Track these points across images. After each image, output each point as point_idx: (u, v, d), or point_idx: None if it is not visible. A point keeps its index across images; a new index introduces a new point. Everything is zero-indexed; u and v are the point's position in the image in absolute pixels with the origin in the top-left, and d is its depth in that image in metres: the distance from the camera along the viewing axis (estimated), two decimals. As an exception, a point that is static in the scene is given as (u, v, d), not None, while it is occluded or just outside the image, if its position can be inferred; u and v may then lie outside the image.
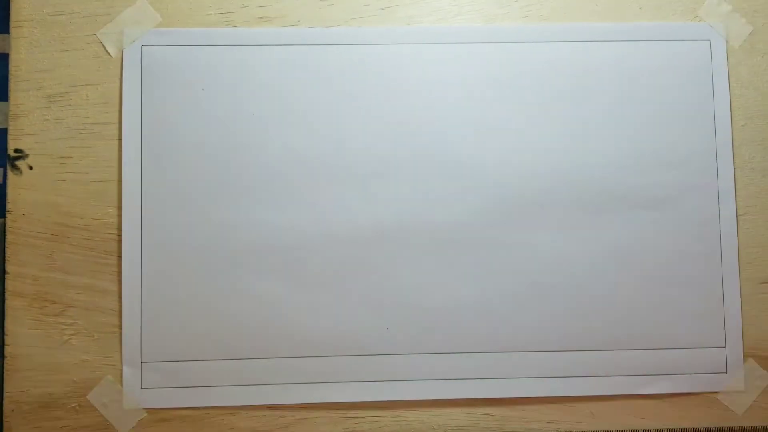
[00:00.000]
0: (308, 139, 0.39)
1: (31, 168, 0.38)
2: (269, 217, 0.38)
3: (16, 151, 0.38)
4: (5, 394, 0.37)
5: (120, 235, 0.38)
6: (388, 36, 0.40)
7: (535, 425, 0.38)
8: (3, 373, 0.37)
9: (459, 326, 0.38)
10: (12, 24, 0.39)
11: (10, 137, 0.38)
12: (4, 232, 0.38)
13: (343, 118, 0.39)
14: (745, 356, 0.39)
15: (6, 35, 0.39)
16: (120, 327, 0.38)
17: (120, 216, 0.38)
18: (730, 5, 0.40)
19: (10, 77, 0.39)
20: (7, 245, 0.38)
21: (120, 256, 0.38)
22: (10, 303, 0.38)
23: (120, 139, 0.39)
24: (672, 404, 0.39)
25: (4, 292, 0.38)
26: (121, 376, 0.38)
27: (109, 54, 0.39)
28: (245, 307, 0.38)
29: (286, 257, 0.38)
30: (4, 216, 0.38)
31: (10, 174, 0.38)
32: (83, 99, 0.39)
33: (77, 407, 0.37)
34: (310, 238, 0.38)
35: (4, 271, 0.38)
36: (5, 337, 0.38)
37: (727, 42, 0.40)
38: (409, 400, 0.38)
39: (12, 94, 0.39)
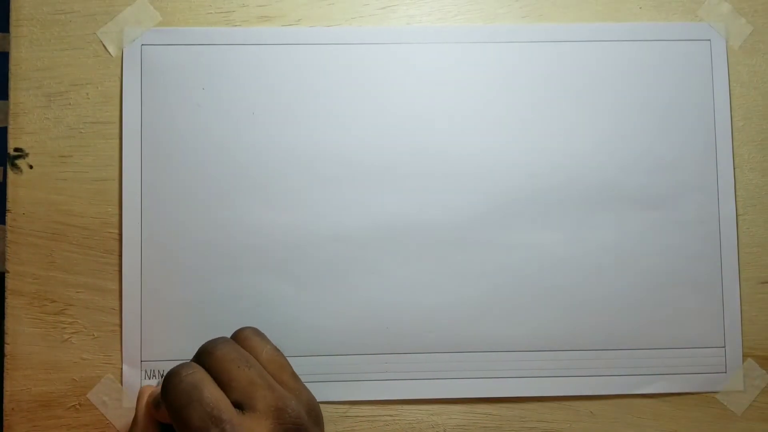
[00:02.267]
0: (308, 138, 0.39)
1: (31, 167, 0.38)
2: (270, 217, 0.38)
3: (16, 150, 0.38)
4: (5, 393, 0.37)
5: (120, 234, 0.38)
6: (388, 35, 0.40)
7: (535, 425, 0.38)
8: (3, 371, 0.37)
9: (459, 326, 0.38)
10: (12, 23, 0.39)
11: (10, 136, 0.38)
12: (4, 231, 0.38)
13: (343, 118, 0.39)
14: (744, 356, 0.39)
15: (6, 34, 0.39)
16: (120, 326, 0.38)
17: (120, 215, 0.38)
18: (731, 5, 0.40)
19: (9, 76, 0.39)
20: (7, 244, 0.38)
21: (120, 255, 0.38)
22: (10, 302, 0.38)
23: (120, 138, 0.39)
24: (671, 404, 0.39)
25: (3, 291, 0.38)
26: (122, 375, 0.38)
27: (109, 53, 0.39)
28: (245, 306, 0.38)
29: (286, 257, 0.38)
30: (4, 215, 0.38)
31: (10, 173, 0.38)
32: (83, 98, 0.39)
33: (77, 406, 0.38)
34: (310, 238, 0.38)
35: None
36: (5, 335, 0.38)
37: (727, 42, 0.40)
38: (408, 400, 0.38)
39: (12, 93, 0.39)
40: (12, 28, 0.39)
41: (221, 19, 0.40)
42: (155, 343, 0.38)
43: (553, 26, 0.40)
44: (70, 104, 0.39)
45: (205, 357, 0.31)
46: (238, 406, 0.29)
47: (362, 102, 0.39)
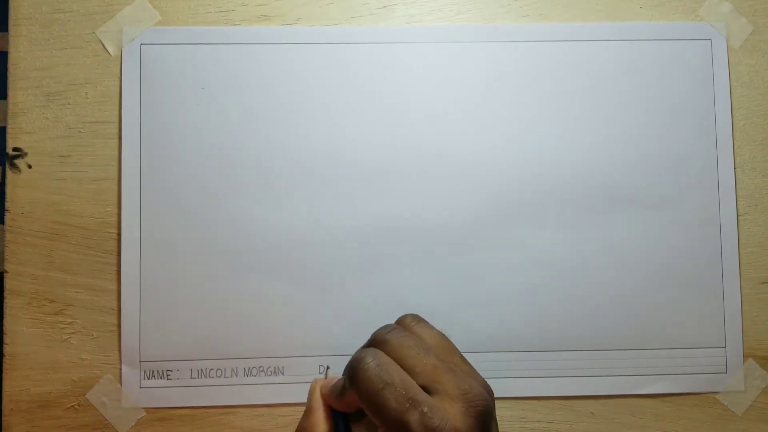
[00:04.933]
0: (308, 138, 0.39)
1: (30, 167, 0.38)
2: (269, 217, 0.38)
3: (15, 149, 0.38)
4: (4, 393, 0.37)
5: (119, 234, 0.38)
6: (388, 35, 0.39)
7: (535, 425, 0.38)
8: (2, 372, 0.37)
9: (458, 326, 0.38)
10: (11, 22, 0.39)
11: (9, 136, 0.38)
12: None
13: (343, 117, 0.39)
14: (745, 356, 0.39)
15: (5, 33, 0.39)
16: (119, 326, 0.38)
17: (119, 215, 0.38)
18: (731, 5, 0.40)
19: (9, 75, 0.39)
20: (6, 244, 0.38)
21: (119, 255, 0.38)
22: (9, 302, 0.38)
23: (119, 138, 0.39)
24: (671, 404, 0.39)
25: (3, 291, 0.38)
26: (120, 375, 0.38)
27: (108, 52, 0.39)
28: (244, 306, 0.38)
29: (286, 257, 0.38)
30: (2, 215, 0.38)
31: (9, 173, 0.38)
32: (82, 97, 0.39)
33: (76, 406, 0.37)
34: (310, 238, 0.38)
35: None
36: (4, 336, 0.38)
37: (727, 42, 0.40)
38: (408, 400, 0.38)
39: (11, 93, 0.39)
40: (11, 28, 0.39)
41: (220, 18, 0.39)
42: (154, 343, 0.38)
43: (553, 26, 0.40)
44: (69, 104, 0.39)
45: (380, 345, 0.31)
46: (424, 390, 0.29)
47: (362, 101, 0.39)
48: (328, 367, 0.37)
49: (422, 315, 0.38)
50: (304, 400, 0.37)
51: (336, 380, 0.32)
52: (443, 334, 0.33)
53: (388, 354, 0.30)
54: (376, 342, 0.31)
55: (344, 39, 0.39)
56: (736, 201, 0.39)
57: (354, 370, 0.29)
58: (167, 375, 0.38)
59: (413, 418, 0.28)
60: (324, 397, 0.33)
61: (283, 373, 0.38)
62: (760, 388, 0.39)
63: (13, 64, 0.39)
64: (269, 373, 0.38)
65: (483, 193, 0.39)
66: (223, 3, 0.39)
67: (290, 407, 0.38)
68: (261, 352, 0.38)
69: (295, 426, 0.38)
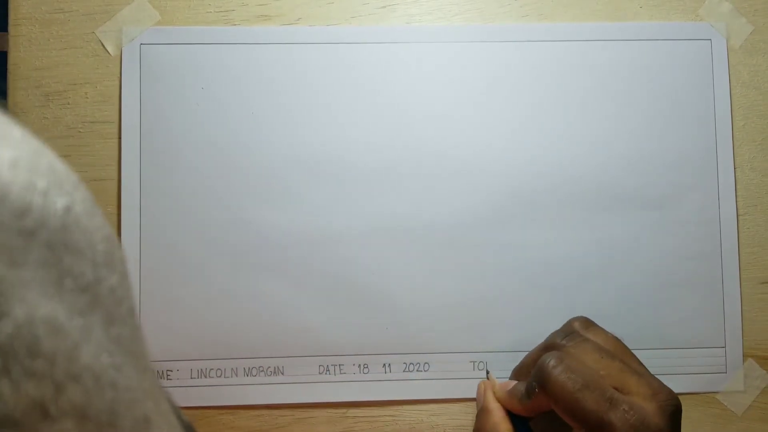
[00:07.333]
0: (308, 137, 0.39)
1: (29, 167, 0.38)
2: (269, 217, 0.38)
3: (14, 149, 0.38)
4: (4, 393, 0.37)
5: (119, 234, 0.38)
6: (388, 35, 0.39)
7: (535, 425, 0.38)
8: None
9: (458, 326, 0.38)
10: (10, 22, 0.39)
11: (8, 136, 0.38)
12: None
13: (343, 117, 0.39)
14: (745, 356, 0.39)
15: (4, 33, 0.39)
16: (119, 326, 0.38)
17: (119, 215, 0.38)
18: (731, 5, 0.40)
19: (8, 75, 0.39)
20: (5, 244, 0.38)
21: (119, 255, 0.38)
22: (9, 302, 0.38)
23: (119, 138, 0.39)
24: (671, 404, 0.39)
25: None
26: (120, 376, 0.37)
27: (108, 52, 0.39)
28: (244, 306, 0.38)
29: (286, 257, 0.38)
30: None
31: (8, 173, 0.38)
32: (82, 97, 0.39)
33: (76, 406, 0.37)
34: (310, 238, 0.38)
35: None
36: (4, 336, 0.37)
37: (727, 41, 0.40)
38: (408, 400, 0.38)
39: (10, 93, 0.38)
40: (11, 27, 0.39)
41: (220, 18, 0.39)
42: (154, 343, 0.37)
43: (553, 25, 0.40)
44: (68, 104, 0.39)
45: (561, 351, 0.31)
46: None
47: (362, 101, 0.39)
48: (488, 371, 0.37)
49: (422, 315, 0.38)
50: (304, 400, 0.38)
51: (510, 384, 0.33)
52: (617, 337, 0.33)
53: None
54: (555, 347, 0.31)
55: (344, 39, 0.39)
56: (736, 201, 0.39)
57: (545, 376, 0.30)
58: (167, 375, 0.37)
59: (615, 416, 0.28)
60: (502, 401, 0.33)
61: (283, 373, 0.38)
62: (760, 388, 0.39)
63: (13, 64, 0.39)
64: (269, 373, 0.38)
65: (483, 193, 0.39)
66: (223, 3, 0.39)
67: (290, 408, 0.38)
68: (261, 352, 0.38)
69: (294, 426, 0.38)
